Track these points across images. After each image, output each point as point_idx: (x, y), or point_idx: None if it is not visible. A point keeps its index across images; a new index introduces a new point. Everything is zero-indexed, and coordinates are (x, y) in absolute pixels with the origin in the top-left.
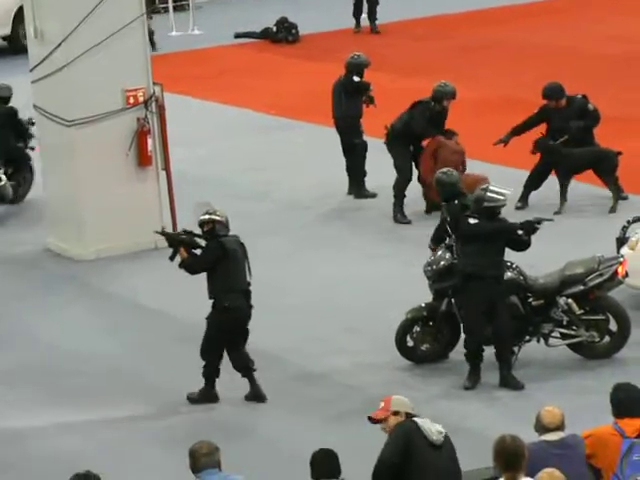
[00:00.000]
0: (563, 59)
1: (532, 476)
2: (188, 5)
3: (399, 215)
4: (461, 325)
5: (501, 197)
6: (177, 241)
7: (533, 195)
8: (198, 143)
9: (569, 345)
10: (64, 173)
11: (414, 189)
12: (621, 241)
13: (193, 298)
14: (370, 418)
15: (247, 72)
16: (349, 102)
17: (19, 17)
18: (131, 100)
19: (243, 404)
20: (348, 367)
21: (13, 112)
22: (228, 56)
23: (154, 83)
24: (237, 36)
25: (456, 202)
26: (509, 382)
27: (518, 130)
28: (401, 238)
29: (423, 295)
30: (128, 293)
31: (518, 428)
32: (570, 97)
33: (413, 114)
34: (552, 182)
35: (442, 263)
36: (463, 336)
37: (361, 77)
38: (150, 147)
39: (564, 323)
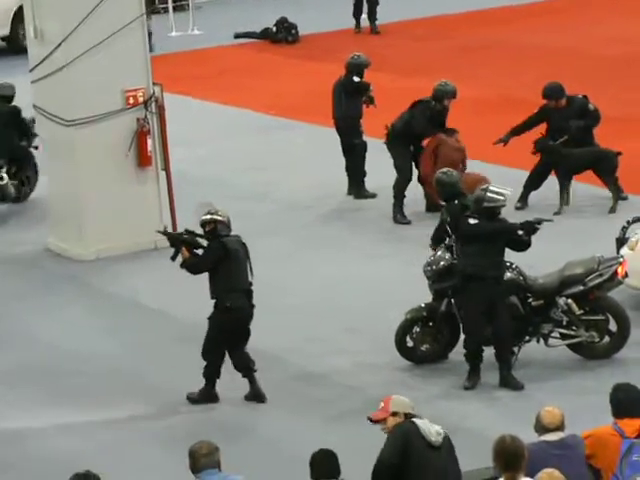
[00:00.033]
0: (563, 59)
1: (532, 476)
2: (188, 5)
3: (399, 215)
4: (461, 325)
5: (501, 197)
6: (179, 241)
7: (533, 195)
8: (198, 143)
9: (569, 345)
10: (64, 173)
11: (414, 189)
12: (621, 241)
13: (193, 298)
14: (370, 419)
15: (247, 72)
16: (349, 102)
17: (18, 17)
18: (131, 100)
19: (243, 404)
20: (348, 367)
21: (16, 111)
22: (228, 56)
23: (154, 83)
24: (237, 36)
25: (456, 202)
26: (509, 382)
27: (518, 130)
28: (401, 238)
29: (423, 295)
30: (128, 293)
31: (518, 428)
32: (570, 97)
33: (414, 113)
34: (552, 182)
35: (442, 263)
36: (463, 336)
37: (361, 77)
38: (150, 147)
39: (564, 323)
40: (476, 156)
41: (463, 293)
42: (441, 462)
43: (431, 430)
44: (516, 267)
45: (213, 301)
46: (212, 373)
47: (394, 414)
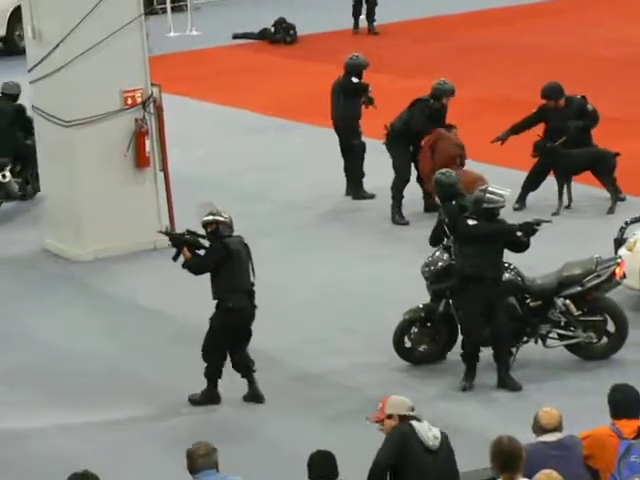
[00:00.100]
0: (562, 60)
1: (530, 477)
2: (186, 6)
3: (397, 216)
4: (459, 326)
5: (500, 198)
6: (180, 241)
7: (531, 196)
8: (196, 144)
9: (567, 346)
10: (62, 174)
11: (412, 190)
12: (619, 242)
13: (192, 298)
14: (369, 420)
15: (245, 73)
16: (348, 103)
17: (14, 18)
18: (129, 101)
19: (242, 405)
20: (346, 368)
21: (21, 109)
22: (226, 57)
23: (152, 84)
24: (235, 37)
25: (453, 203)
26: (507, 383)
27: (516, 129)
28: (399, 239)
29: (421, 296)
30: (127, 293)
31: (516, 429)
32: (569, 97)
33: (413, 112)
34: (550, 183)
35: (440, 264)
36: (461, 337)
37: (360, 78)
38: (148, 148)
39: (562, 324)
40: (474, 157)
41: (461, 294)
42: (439, 464)
43: (428, 434)
44: (514, 268)
45: (214, 301)
46: (213, 373)
47: (389, 417)
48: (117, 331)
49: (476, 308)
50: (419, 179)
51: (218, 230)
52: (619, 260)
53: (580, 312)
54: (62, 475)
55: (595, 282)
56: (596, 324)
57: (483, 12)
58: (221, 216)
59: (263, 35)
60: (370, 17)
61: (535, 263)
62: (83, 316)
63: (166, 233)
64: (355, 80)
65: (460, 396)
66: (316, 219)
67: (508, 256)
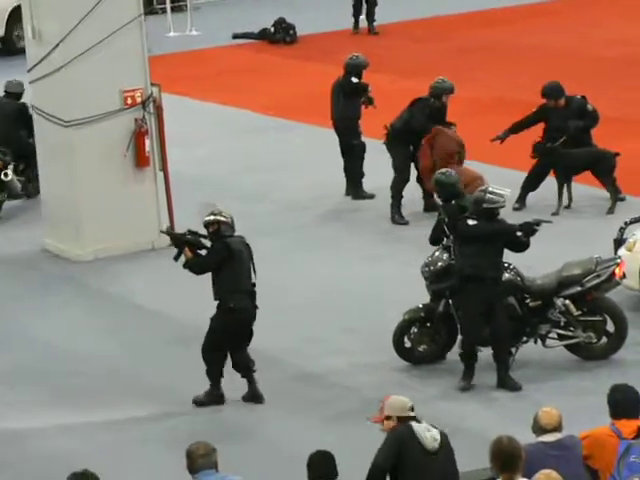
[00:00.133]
0: (561, 61)
1: (529, 477)
2: (186, 6)
3: (397, 216)
4: (458, 326)
5: (500, 198)
6: (182, 241)
7: (531, 196)
8: (196, 144)
9: (566, 346)
10: (62, 173)
11: (412, 190)
12: (618, 242)
13: (192, 299)
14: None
15: (245, 73)
16: (347, 103)
17: (13, 18)
18: (129, 101)
19: (242, 405)
20: (346, 368)
21: (25, 108)
22: (226, 57)
23: (152, 84)
24: (235, 37)
25: (453, 203)
26: (506, 383)
27: (516, 128)
28: (399, 239)
29: (421, 296)
30: (126, 293)
31: (516, 429)
32: (569, 97)
33: (413, 112)
34: (550, 183)
35: (439, 264)
36: (460, 337)
37: (359, 78)
38: (148, 148)
39: (561, 324)
40: (474, 157)
41: (461, 294)
42: (438, 464)
43: (427, 435)
44: (513, 268)
45: (214, 301)
46: (215, 373)
47: (387, 418)
48: (117, 331)
49: (476, 308)
50: (419, 179)
51: (220, 230)
52: (619, 260)
53: (580, 312)
54: (62, 475)
55: (595, 282)
56: (596, 324)
57: (483, 12)
58: (223, 216)
59: (263, 35)
60: (370, 17)
61: (535, 263)
62: (83, 316)
63: (167, 233)
64: (355, 80)
65: (460, 396)
66: (316, 219)
67: (508, 256)
